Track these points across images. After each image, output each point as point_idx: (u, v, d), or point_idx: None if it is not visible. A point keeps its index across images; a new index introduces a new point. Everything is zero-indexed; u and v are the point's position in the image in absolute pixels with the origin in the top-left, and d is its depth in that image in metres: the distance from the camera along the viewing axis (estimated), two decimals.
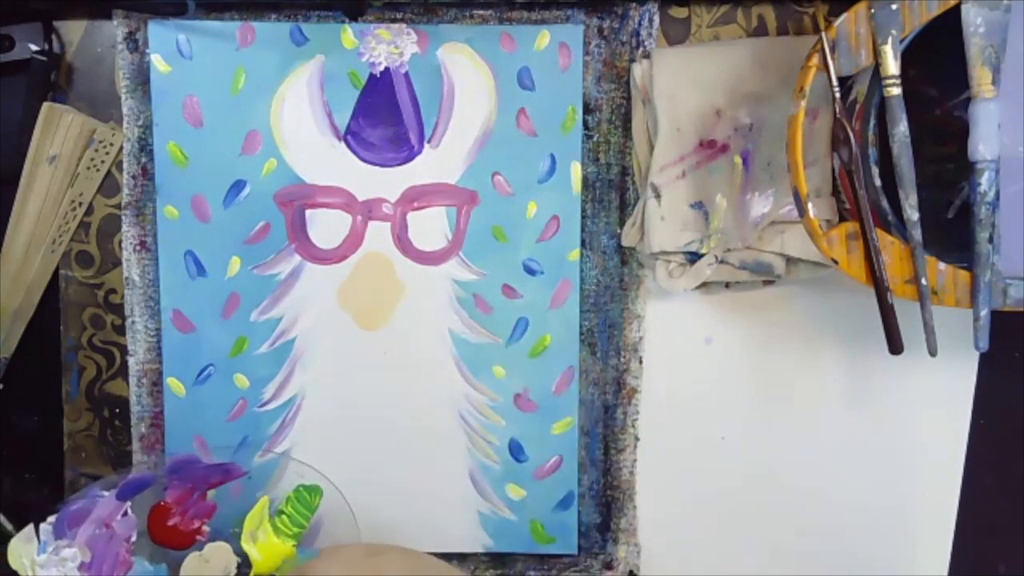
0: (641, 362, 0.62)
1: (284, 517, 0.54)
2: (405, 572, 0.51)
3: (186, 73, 0.60)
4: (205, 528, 0.57)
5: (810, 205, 0.51)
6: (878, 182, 0.52)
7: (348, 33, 0.60)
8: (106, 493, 0.55)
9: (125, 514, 0.55)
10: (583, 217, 0.61)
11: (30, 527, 0.54)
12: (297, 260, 0.61)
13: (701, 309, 0.62)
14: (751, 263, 0.58)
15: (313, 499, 0.55)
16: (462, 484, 0.63)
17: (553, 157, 0.61)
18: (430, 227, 0.61)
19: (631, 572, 0.64)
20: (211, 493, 0.58)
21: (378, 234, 0.61)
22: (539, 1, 0.59)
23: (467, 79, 0.60)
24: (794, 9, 0.60)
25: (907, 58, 0.51)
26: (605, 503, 0.63)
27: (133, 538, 0.54)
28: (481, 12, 0.60)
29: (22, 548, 0.53)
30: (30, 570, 0.52)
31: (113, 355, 0.63)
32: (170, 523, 0.56)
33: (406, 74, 0.60)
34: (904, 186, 0.51)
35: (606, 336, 0.62)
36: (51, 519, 0.54)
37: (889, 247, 0.52)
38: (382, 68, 0.60)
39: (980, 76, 0.50)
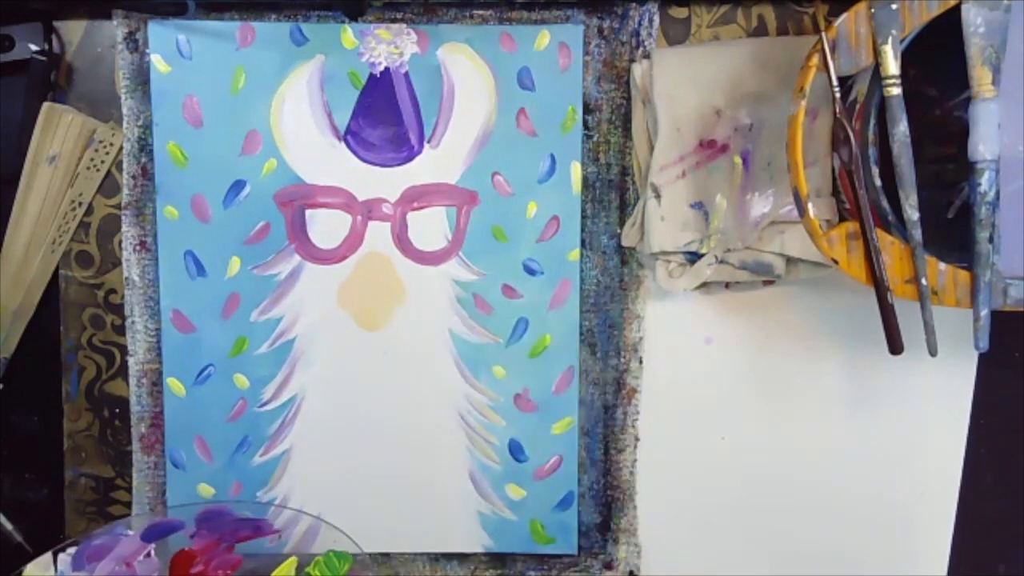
0: (641, 362, 0.62)
1: None
2: None
3: (186, 73, 0.60)
4: None
5: (810, 205, 0.51)
6: (878, 182, 0.52)
7: (348, 33, 0.60)
8: (131, 532, 0.55)
9: (148, 555, 0.54)
10: (583, 217, 0.61)
11: (49, 554, 0.54)
12: (297, 260, 0.61)
13: (701, 309, 0.62)
14: (751, 263, 0.58)
15: (342, 566, 0.55)
16: (462, 484, 0.63)
17: (553, 157, 0.61)
18: (430, 227, 0.61)
19: (631, 572, 0.64)
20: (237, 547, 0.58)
21: (378, 234, 0.61)
22: (539, 1, 0.59)
23: (467, 79, 0.60)
24: (794, 9, 0.60)
25: (907, 58, 0.51)
26: (605, 503, 0.63)
27: None
28: (481, 12, 0.60)
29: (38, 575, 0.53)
30: None
31: (113, 355, 0.63)
32: (193, 571, 0.56)
33: (406, 74, 0.60)
34: (904, 186, 0.51)
35: (606, 336, 0.62)
36: (71, 550, 0.54)
37: (889, 247, 0.52)
38: (382, 68, 0.60)
39: (980, 76, 0.50)
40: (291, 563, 0.55)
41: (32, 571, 0.53)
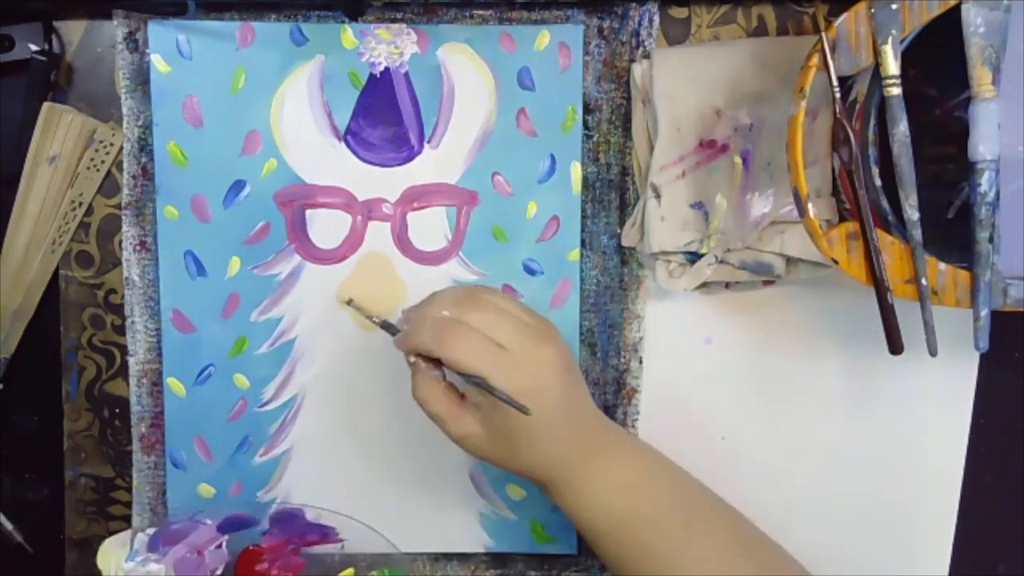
0: (641, 362, 0.62)
1: None
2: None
3: (186, 73, 0.60)
4: None
5: (810, 205, 0.51)
6: (878, 182, 0.52)
7: (348, 33, 0.60)
8: (208, 521, 0.55)
9: (219, 546, 0.55)
10: (583, 217, 0.61)
11: (127, 532, 0.54)
12: (297, 260, 0.61)
13: (701, 309, 0.62)
14: (751, 263, 0.58)
15: None
16: (462, 484, 0.63)
17: (553, 157, 0.61)
18: (430, 227, 0.61)
19: None
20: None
21: (378, 234, 0.61)
22: (539, 1, 0.59)
23: (467, 79, 0.60)
24: (794, 9, 0.60)
25: (907, 58, 0.51)
26: None
27: (219, 571, 0.54)
28: (481, 12, 0.60)
29: (113, 551, 0.53)
30: (114, 573, 0.52)
31: (113, 355, 0.63)
32: (258, 568, 0.56)
33: (406, 74, 0.60)
34: (904, 186, 0.51)
35: (606, 336, 0.62)
36: (150, 531, 0.54)
37: (889, 247, 0.52)
38: (382, 68, 0.60)
39: (980, 76, 0.50)
40: (348, 574, 0.56)
41: (108, 546, 0.54)
